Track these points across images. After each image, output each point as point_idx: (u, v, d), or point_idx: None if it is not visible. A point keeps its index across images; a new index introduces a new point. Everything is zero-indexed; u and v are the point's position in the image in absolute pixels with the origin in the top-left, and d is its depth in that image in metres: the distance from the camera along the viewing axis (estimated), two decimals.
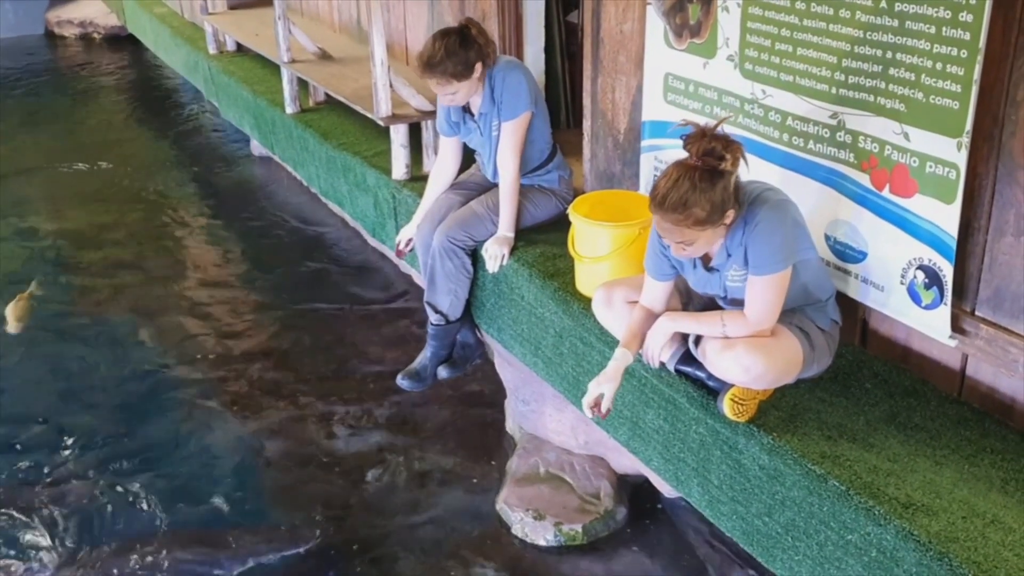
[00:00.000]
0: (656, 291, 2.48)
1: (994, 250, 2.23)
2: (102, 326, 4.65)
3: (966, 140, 2.13)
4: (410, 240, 3.50)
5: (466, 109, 3.27)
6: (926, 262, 2.30)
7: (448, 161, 3.44)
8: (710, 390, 2.43)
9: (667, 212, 2.14)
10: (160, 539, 3.22)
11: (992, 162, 2.17)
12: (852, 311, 2.61)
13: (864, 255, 2.48)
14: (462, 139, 3.38)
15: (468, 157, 3.51)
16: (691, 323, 2.38)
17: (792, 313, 2.35)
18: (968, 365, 2.40)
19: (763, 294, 2.24)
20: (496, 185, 3.31)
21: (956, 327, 2.31)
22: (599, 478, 3.32)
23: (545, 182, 3.36)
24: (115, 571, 3.09)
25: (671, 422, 2.59)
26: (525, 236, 3.29)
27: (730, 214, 2.18)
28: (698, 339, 2.39)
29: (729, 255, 2.28)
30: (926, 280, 2.32)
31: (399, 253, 3.58)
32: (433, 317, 3.39)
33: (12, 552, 3.19)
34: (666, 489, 3.20)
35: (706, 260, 2.36)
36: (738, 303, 2.34)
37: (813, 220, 2.49)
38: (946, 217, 2.22)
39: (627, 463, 3.24)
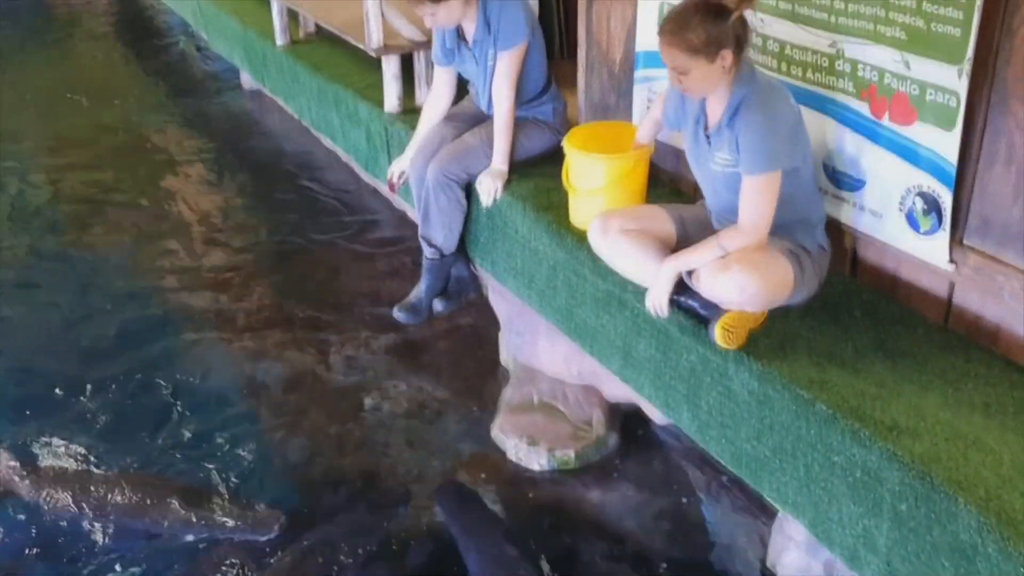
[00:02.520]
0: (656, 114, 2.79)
1: (984, 179, 2.25)
2: (92, 260, 4.65)
3: (967, 67, 2.13)
4: (403, 173, 3.49)
5: (461, 37, 3.25)
6: (925, 189, 2.33)
7: (442, 93, 3.42)
8: (701, 319, 2.47)
9: (666, 34, 2.27)
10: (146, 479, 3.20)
11: (985, 91, 2.18)
12: (842, 242, 2.64)
13: (863, 183, 2.50)
14: (456, 69, 3.36)
15: (461, 88, 3.48)
16: (691, 257, 2.42)
17: (782, 237, 2.39)
18: (955, 294, 2.45)
19: (754, 197, 2.30)
20: (490, 117, 3.29)
21: None
22: (591, 407, 3.38)
23: (539, 114, 3.35)
24: (84, 504, 3.06)
25: (663, 351, 2.64)
26: (519, 169, 3.29)
27: (727, 56, 2.25)
28: None
29: (721, 128, 2.36)
30: (924, 207, 2.34)
31: (391, 188, 3.58)
32: (428, 251, 3.41)
33: None
34: (657, 417, 3.26)
35: (706, 126, 2.43)
36: (726, 211, 2.40)
37: (812, 149, 2.50)
38: (946, 144, 2.24)
39: (619, 392, 3.30)
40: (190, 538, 2.96)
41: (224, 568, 2.83)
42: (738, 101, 2.31)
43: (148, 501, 3.05)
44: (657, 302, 2.47)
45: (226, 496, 3.11)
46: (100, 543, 2.95)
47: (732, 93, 2.32)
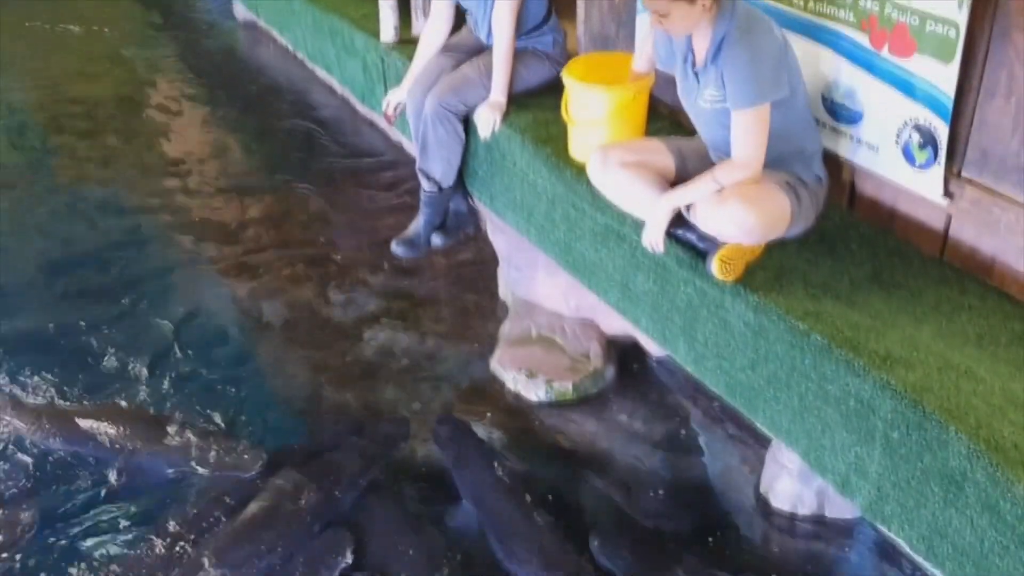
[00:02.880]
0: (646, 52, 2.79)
1: (984, 111, 2.24)
2: (85, 195, 4.61)
3: None
4: (399, 104, 3.46)
5: None
6: (922, 122, 2.32)
7: (440, 23, 3.37)
8: (699, 252, 2.49)
9: None
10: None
11: (987, 21, 2.16)
12: (840, 175, 2.64)
13: (860, 116, 2.49)
14: None
15: (459, 18, 3.43)
16: (686, 192, 2.43)
17: (778, 170, 2.40)
18: (952, 226, 2.46)
19: (744, 131, 2.31)
20: (489, 48, 3.25)
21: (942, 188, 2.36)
22: (589, 340, 3.42)
23: (539, 45, 3.30)
24: (68, 437, 3.03)
25: (660, 284, 2.66)
26: (517, 101, 3.26)
27: None
28: None
29: (707, 65, 2.35)
30: (920, 140, 2.34)
31: (388, 119, 3.55)
32: (426, 184, 3.40)
33: None
34: (654, 349, 3.30)
35: (694, 63, 2.43)
36: (720, 146, 2.41)
37: (811, 81, 2.49)
38: (944, 77, 2.23)
39: (616, 326, 3.33)
40: (171, 473, 2.93)
41: (212, 502, 2.81)
42: (721, 37, 2.29)
43: (130, 434, 3.01)
44: (653, 238, 2.48)
45: (210, 432, 3.07)
46: (83, 477, 2.92)
47: (715, 29, 2.30)
